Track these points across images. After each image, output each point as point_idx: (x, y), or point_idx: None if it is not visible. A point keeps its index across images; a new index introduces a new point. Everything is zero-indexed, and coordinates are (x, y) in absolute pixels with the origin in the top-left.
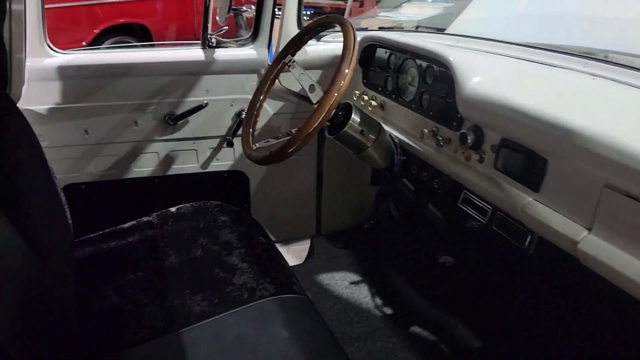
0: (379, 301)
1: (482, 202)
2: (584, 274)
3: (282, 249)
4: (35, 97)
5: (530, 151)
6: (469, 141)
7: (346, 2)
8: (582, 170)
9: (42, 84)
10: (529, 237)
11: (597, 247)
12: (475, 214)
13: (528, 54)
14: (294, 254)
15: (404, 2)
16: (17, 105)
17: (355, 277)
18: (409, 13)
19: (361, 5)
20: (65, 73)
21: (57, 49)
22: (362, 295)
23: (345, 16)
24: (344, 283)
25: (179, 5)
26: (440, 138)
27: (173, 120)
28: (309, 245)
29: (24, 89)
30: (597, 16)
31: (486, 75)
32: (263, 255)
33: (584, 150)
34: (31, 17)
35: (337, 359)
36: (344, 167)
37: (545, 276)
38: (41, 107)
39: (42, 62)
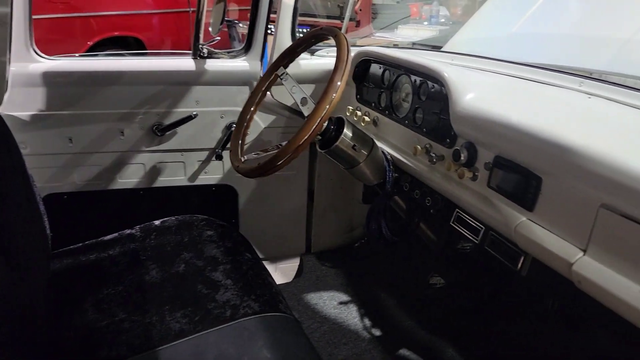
0: (367, 322)
1: (475, 222)
2: (579, 298)
3: (270, 267)
4: (19, 103)
5: (524, 169)
6: (462, 158)
7: (342, 21)
8: (578, 190)
9: (27, 90)
10: (522, 258)
11: (592, 269)
12: (468, 234)
13: (523, 72)
14: (282, 272)
15: (399, 23)
16: None
17: (344, 297)
18: (404, 34)
19: (357, 25)
20: (50, 79)
21: (43, 55)
22: (351, 315)
23: None
24: (332, 303)
25: (175, 19)
26: (434, 155)
27: (161, 131)
28: (298, 263)
29: (6, 94)
30: (592, 37)
31: (480, 92)
32: (249, 272)
33: (579, 168)
34: (17, 20)
35: None
36: (335, 184)
37: (538, 299)
38: (24, 114)
39: (28, 67)
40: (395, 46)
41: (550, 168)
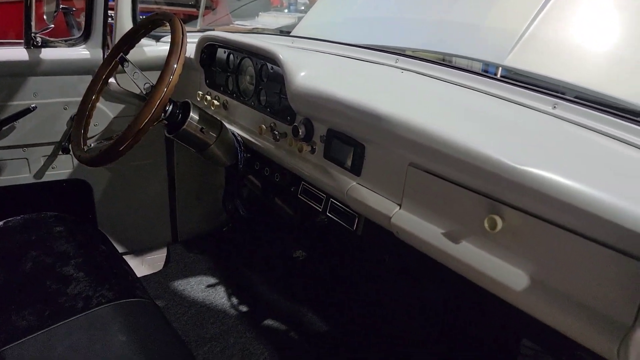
0: (234, 300)
1: (318, 191)
2: (405, 249)
3: (136, 260)
4: None
5: (351, 139)
6: (300, 134)
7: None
8: (391, 153)
9: None
10: (357, 219)
11: (406, 220)
12: (314, 204)
13: (352, 52)
14: (149, 264)
15: (260, 11)
16: None
17: (212, 280)
18: (265, 21)
19: (214, 11)
20: None
21: None
22: (218, 297)
23: (198, 23)
24: (200, 287)
25: (14, 9)
26: (277, 133)
27: None
28: (165, 253)
29: None
30: (408, 19)
31: (312, 72)
32: (103, 264)
33: (389, 133)
34: None
35: (180, 355)
36: (196, 171)
37: (374, 256)
38: None
39: None
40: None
41: (369, 136)
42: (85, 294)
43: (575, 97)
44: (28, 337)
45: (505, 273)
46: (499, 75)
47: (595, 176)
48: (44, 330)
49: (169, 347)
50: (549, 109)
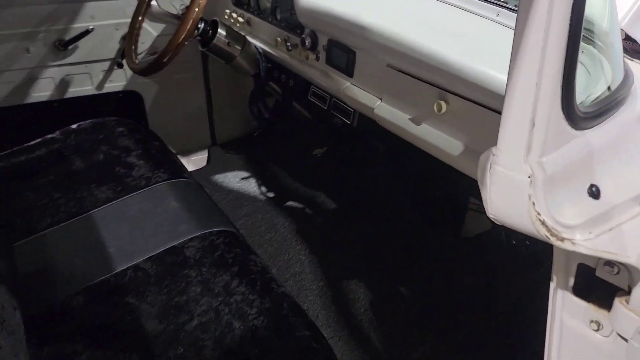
0: (263, 189)
1: (323, 93)
2: (392, 137)
3: (182, 159)
4: None
5: (345, 47)
6: (307, 44)
7: None
8: (374, 57)
9: None
10: (352, 114)
11: (385, 110)
12: (320, 104)
13: None
14: (193, 163)
15: None
16: None
17: (246, 174)
18: None
19: None
20: None
21: None
22: (250, 186)
23: None
24: (235, 179)
25: None
26: (289, 44)
27: (63, 46)
28: (206, 154)
29: None
30: None
31: None
32: (157, 154)
33: (371, 42)
34: None
35: (220, 219)
36: (229, 83)
37: (367, 144)
38: None
39: None
40: None
41: (357, 43)
42: (146, 175)
43: (515, 6)
44: (108, 204)
45: (448, 144)
46: None
47: None
48: (119, 199)
49: (212, 213)
50: (494, 16)
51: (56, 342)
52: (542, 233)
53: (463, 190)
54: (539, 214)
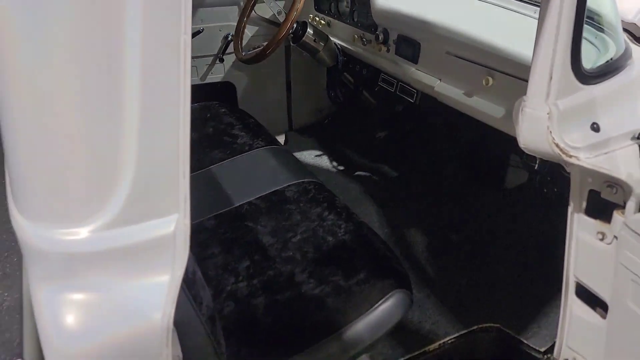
0: (334, 163)
1: (391, 78)
2: (451, 111)
3: None
4: None
5: (412, 40)
6: (380, 39)
7: None
8: (435, 45)
9: None
10: (415, 94)
11: (443, 87)
12: (388, 88)
13: None
14: None
15: None
16: None
17: (318, 153)
18: None
19: None
20: None
21: None
22: (323, 162)
23: None
24: (309, 157)
25: None
26: (365, 40)
27: None
28: (284, 138)
29: None
30: None
31: None
32: (254, 129)
33: (436, 34)
34: None
35: (309, 173)
36: (305, 76)
37: (430, 122)
38: None
39: None
40: None
41: (423, 36)
42: (248, 143)
43: None
44: (222, 162)
45: (493, 110)
46: None
47: None
48: (228, 159)
49: (302, 169)
50: (532, 13)
51: (196, 248)
52: (556, 152)
53: (504, 150)
54: (554, 139)
